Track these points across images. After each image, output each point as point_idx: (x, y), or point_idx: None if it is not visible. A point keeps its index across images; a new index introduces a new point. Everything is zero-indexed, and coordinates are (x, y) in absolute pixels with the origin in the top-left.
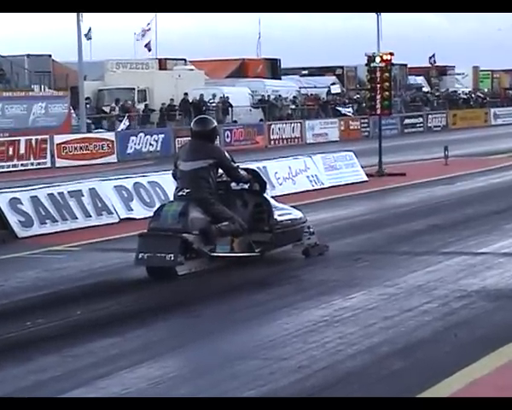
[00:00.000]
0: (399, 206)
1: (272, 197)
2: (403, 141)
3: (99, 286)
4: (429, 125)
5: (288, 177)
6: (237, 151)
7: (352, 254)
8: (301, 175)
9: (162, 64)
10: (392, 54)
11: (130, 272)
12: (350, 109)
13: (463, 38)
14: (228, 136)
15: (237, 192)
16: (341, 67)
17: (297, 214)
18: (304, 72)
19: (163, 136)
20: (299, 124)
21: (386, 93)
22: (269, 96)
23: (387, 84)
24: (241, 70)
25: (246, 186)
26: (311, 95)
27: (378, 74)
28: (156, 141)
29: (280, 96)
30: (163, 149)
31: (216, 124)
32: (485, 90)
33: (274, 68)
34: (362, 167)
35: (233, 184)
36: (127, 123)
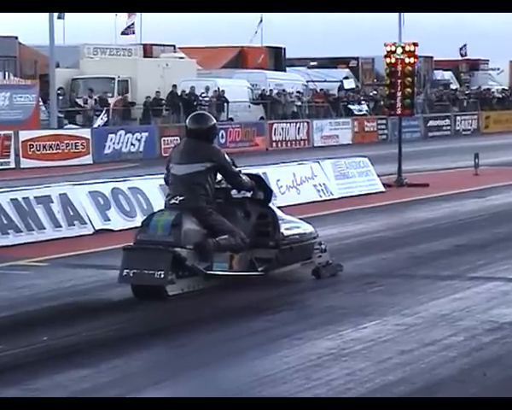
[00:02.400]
0: (421, 222)
1: (278, 208)
2: (426, 146)
3: (69, 308)
4: (457, 128)
5: (291, 185)
6: (233, 154)
7: (364, 278)
8: (307, 183)
9: (147, 51)
10: (415, 44)
11: (107, 293)
12: (365, 108)
13: (499, 28)
14: (223, 136)
15: (238, 201)
16: (356, 59)
17: (307, 228)
18: (312, 63)
19: (147, 134)
20: (305, 124)
21: (409, 90)
22: (271, 90)
23: (410, 79)
24: (240, 60)
25: (248, 194)
26: (321, 90)
27: (399, 68)
28: (139, 140)
29: (284, 90)
30: (146, 149)
31: (215, 121)
32: None
33: (277, 58)
34: (378, 176)
35: (233, 192)
36: (105, 118)
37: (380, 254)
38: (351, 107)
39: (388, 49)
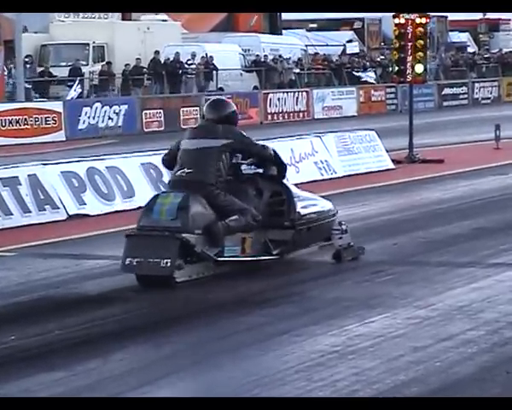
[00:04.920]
0: (435, 202)
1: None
2: (441, 117)
3: (40, 304)
4: (476, 96)
5: (289, 162)
6: None
7: (372, 266)
8: (307, 160)
9: (126, 13)
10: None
11: (83, 286)
12: (372, 75)
13: None
14: None
15: (249, 177)
16: (361, 20)
17: (325, 206)
18: (312, 25)
19: (126, 107)
20: (304, 93)
21: (420, 54)
22: (266, 56)
23: (422, 42)
24: (230, 22)
25: (259, 170)
26: (322, 55)
27: (409, 29)
28: (117, 114)
29: (280, 56)
30: (126, 123)
31: (234, 108)
32: None
33: (273, 20)
34: (387, 151)
35: (243, 167)
36: (79, 90)
37: (389, 239)
38: (355, 74)
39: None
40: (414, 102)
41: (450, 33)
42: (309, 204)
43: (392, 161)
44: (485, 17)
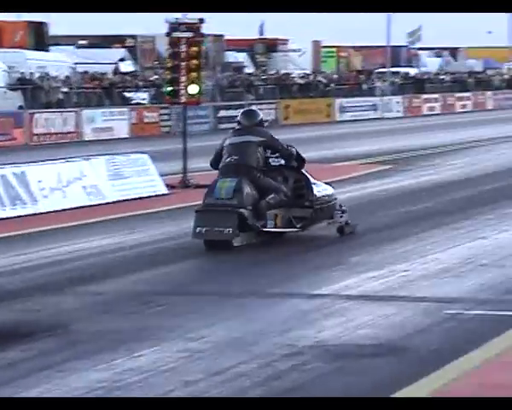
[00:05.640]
0: None
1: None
2: (217, 140)
3: None
4: None
5: (56, 187)
6: None
7: (143, 295)
8: (75, 185)
9: None
10: (202, 20)
11: None
12: (145, 95)
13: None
14: None
15: (277, 168)
16: (134, 37)
17: (330, 191)
18: (81, 42)
19: None
20: (73, 114)
21: (195, 74)
22: (32, 73)
23: (196, 61)
24: None
25: (282, 162)
26: (93, 74)
27: (183, 48)
28: None
29: (47, 74)
30: None
31: (262, 116)
32: (330, 72)
33: (39, 35)
34: (160, 176)
35: (271, 160)
36: None
37: (160, 269)
38: (127, 94)
39: (170, 25)
40: (188, 125)
41: (226, 53)
42: (321, 189)
43: (166, 185)
44: (263, 37)
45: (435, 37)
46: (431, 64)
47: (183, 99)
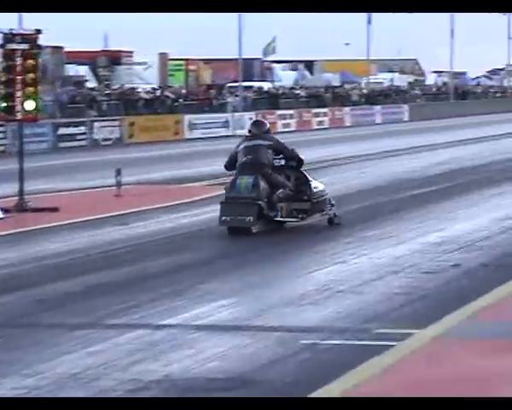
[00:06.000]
0: (50, 256)
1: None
2: (57, 160)
3: None
4: (96, 137)
5: None
6: None
7: None
8: None
9: None
10: (39, 31)
11: None
12: None
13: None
14: None
15: (280, 167)
16: None
17: (322, 187)
18: None
19: None
20: None
21: (31, 89)
22: None
23: (32, 75)
24: None
25: (283, 162)
26: None
27: (19, 61)
28: None
29: None
30: None
31: (268, 125)
32: (178, 87)
33: None
34: None
35: (274, 161)
36: None
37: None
38: None
39: (4, 36)
40: (25, 143)
41: (67, 66)
42: (316, 185)
43: (1, 209)
44: (106, 49)
45: (290, 49)
46: (286, 78)
47: (19, 116)
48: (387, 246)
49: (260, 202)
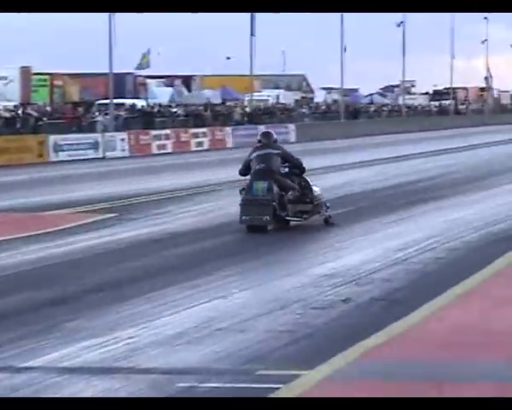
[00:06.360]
0: None
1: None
2: None
3: None
4: None
5: None
6: None
7: None
8: None
9: None
10: None
11: None
12: None
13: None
14: None
15: (285, 174)
16: None
17: (320, 191)
18: None
19: None
20: None
21: None
22: None
23: None
24: None
25: (286, 170)
26: None
27: None
28: None
29: None
30: None
31: (276, 136)
32: (42, 104)
33: None
34: None
35: (280, 168)
36: None
37: None
38: None
39: None
40: None
41: None
42: (316, 189)
43: None
44: None
45: (166, 63)
46: (161, 95)
47: None
48: (273, 278)
49: (274, 204)
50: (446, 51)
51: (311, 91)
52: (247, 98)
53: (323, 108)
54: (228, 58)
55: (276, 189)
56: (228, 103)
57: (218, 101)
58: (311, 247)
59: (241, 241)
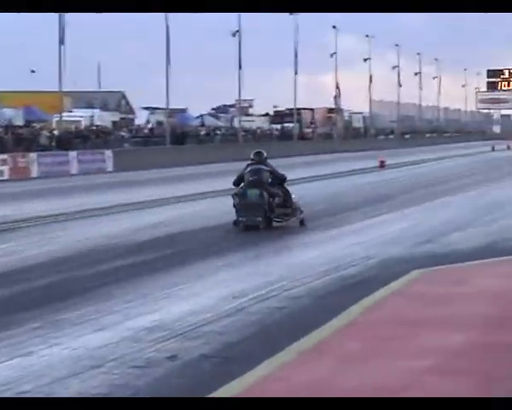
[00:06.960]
0: None
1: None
2: None
3: None
4: None
5: None
6: None
7: None
8: None
9: None
10: None
11: None
12: None
13: None
14: None
15: (270, 183)
16: None
17: (297, 198)
18: None
19: None
20: None
21: None
22: None
23: None
24: None
25: (270, 180)
26: None
27: None
28: None
29: None
30: None
31: (266, 154)
32: None
33: None
34: None
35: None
36: None
37: None
38: None
39: None
40: None
41: None
42: (294, 196)
43: None
44: None
45: None
46: None
47: None
48: (86, 333)
49: (265, 207)
50: (290, 65)
51: (132, 112)
52: (55, 119)
53: (146, 131)
54: (32, 71)
55: (265, 195)
56: (32, 125)
57: (21, 122)
58: (125, 297)
59: (49, 289)
